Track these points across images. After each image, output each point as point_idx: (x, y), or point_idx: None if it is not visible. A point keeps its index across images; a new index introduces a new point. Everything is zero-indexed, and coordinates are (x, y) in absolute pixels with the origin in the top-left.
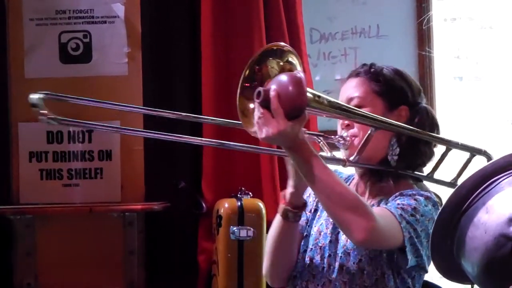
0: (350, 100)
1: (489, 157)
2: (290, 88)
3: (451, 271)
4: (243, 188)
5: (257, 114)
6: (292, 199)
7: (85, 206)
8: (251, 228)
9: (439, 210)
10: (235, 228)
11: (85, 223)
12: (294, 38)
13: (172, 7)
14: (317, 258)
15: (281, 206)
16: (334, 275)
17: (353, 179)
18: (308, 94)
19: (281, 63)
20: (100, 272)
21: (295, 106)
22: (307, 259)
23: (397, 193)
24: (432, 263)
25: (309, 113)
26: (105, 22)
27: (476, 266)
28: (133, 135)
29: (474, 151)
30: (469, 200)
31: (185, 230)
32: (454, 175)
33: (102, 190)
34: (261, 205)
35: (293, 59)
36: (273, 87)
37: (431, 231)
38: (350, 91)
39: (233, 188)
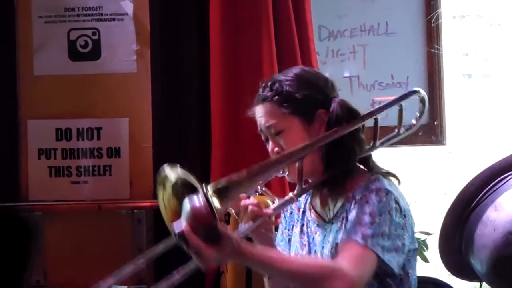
0: (269, 127)
1: (421, 96)
2: (196, 219)
3: (460, 268)
4: None
5: (191, 253)
6: None
7: (93, 203)
8: None
9: (448, 207)
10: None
11: (93, 220)
12: (303, 35)
13: (180, 4)
14: None
15: None
16: None
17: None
18: (216, 201)
19: (178, 191)
20: (108, 269)
21: (210, 231)
22: None
23: (353, 202)
24: (440, 259)
25: (238, 194)
26: (113, 19)
27: (484, 264)
28: None
29: (402, 99)
30: (478, 198)
31: None
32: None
33: (111, 187)
34: (270, 202)
35: (188, 177)
36: (184, 224)
37: (396, 218)
38: (265, 118)
39: None
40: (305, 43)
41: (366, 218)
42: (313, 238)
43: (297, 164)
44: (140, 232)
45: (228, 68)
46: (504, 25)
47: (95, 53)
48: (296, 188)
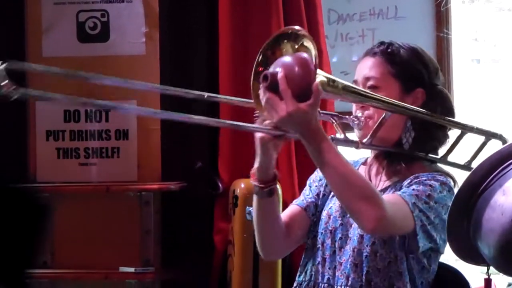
0: (366, 79)
1: (504, 141)
2: (297, 69)
3: (467, 252)
4: None
5: (263, 98)
6: (260, 175)
7: (101, 185)
8: None
9: (456, 192)
10: (251, 209)
11: (101, 202)
12: (312, 18)
13: None
14: (328, 241)
15: (253, 184)
16: (345, 257)
17: (364, 162)
18: (323, 78)
19: (296, 47)
20: (116, 251)
21: (303, 87)
22: (318, 244)
23: (413, 176)
24: (448, 245)
25: (324, 96)
26: (123, 1)
27: (492, 248)
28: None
29: (489, 135)
30: (486, 182)
31: (201, 210)
32: (469, 158)
33: (119, 169)
34: (277, 185)
35: (308, 43)
36: (279, 69)
37: (445, 216)
38: (366, 70)
39: (249, 168)
40: (314, 26)
41: (424, 197)
42: None
43: (381, 117)
44: (148, 215)
45: (237, 51)
46: None
47: (104, 35)
48: (367, 138)
